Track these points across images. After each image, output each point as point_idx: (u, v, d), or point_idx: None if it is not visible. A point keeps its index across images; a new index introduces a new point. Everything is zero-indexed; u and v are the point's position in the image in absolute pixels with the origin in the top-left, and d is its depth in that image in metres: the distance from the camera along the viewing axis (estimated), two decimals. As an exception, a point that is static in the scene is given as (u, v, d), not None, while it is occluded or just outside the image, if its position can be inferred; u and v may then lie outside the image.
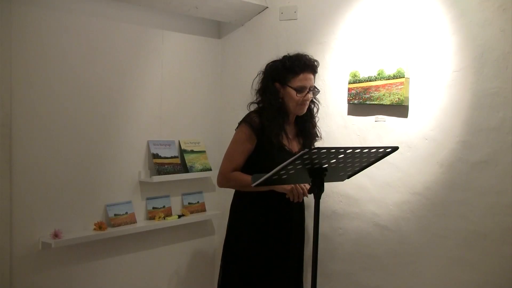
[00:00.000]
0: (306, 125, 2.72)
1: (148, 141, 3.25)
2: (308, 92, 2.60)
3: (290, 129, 2.69)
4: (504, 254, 2.60)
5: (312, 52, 3.21)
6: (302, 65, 2.59)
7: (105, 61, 3.00)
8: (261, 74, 2.68)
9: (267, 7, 3.43)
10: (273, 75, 2.62)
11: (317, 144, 2.84)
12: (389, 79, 2.87)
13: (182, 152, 3.43)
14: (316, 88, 2.66)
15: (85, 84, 2.91)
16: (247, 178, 2.51)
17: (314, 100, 2.74)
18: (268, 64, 2.68)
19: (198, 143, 3.53)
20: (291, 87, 2.57)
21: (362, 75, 2.98)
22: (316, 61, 2.67)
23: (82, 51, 2.89)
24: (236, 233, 2.67)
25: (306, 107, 2.64)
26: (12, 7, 2.59)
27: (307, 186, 2.51)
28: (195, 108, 3.55)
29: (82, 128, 2.91)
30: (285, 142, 2.61)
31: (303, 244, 2.80)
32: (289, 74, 2.58)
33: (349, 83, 3.03)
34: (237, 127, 2.64)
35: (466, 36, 2.68)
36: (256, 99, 2.68)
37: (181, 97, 3.46)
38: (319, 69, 3.20)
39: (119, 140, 3.10)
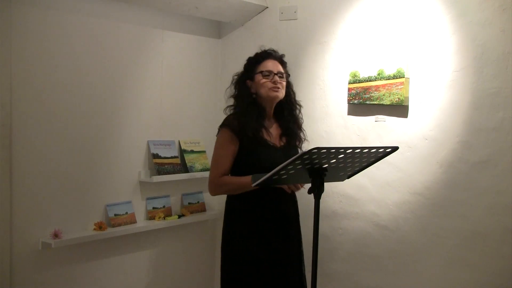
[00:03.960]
0: (290, 126, 2.70)
1: (148, 141, 3.25)
2: (276, 75, 2.60)
3: (273, 128, 2.67)
4: (504, 254, 2.60)
5: (312, 52, 3.22)
6: (265, 54, 2.67)
7: (105, 61, 3.00)
8: (231, 83, 2.71)
9: (267, 7, 3.43)
10: (243, 77, 2.68)
11: (306, 143, 2.80)
12: (389, 79, 2.87)
13: (182, 152, 3.43)
14: (287, 73, 2.67)
15: (85, 84, 2.91)
16: (237, 180, 2.52)
17: (293, 101, 2.73)
18: (235, 73, 2.73)
19: (198, 143, 3.53)
20: (258, 73, 2.62)
21: (362, 75, 2.98)
22: (283, 55, 2.71)
23: (82, 51, 2.89)
24: (232, 233, 2.65)
25: (280, 91, 2.62)
26: (12, 7, 2.59)
27: None
28: (195, 108, 3.55)
29: (82, 128, 2.91)
30: (266, 137, 2.60)
31: (300, 237, 2.77)
32: (255, 65, 2.65)
33: (349, 83, 3.03)
34: (217, 133, 2.63)
35: (466, 36, 2.68)
36: (233, 105, 2.69)
37: (181, 97, 3.46)
38: (319, 69, 3.21)
39: (119, 140, 3.10)
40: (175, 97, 3.41)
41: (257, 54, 2.69)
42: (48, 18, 2.74)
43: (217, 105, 3.68)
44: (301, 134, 2.75)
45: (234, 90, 2.70)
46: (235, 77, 2.71)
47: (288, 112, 2.70)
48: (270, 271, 2.59)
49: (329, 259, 3.18)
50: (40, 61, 2.72)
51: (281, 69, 2.64)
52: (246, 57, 3.55)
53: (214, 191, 2.63)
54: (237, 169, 2.59)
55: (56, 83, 2.79)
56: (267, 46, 2.71)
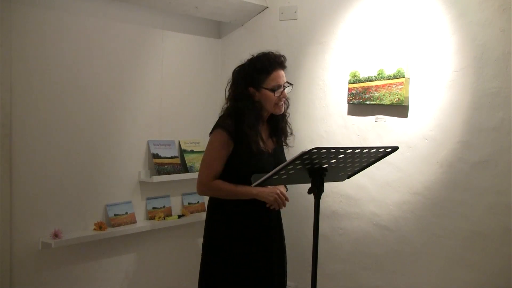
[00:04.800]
0: (279, 124, 2.65)
1: (148, 141, 3.25)
2: (283, 89, 2.55)
3: (264, 129, 2.63)
4: (504, 254, 2.60)
5: (312, 52, 3.22)
6: (272, 64, 2.53)
7: (105, 61, 3.00)
8: (230, 82, 2.60)
9: (267, 7, 3.43)
10: (245, 80, 2.55)
11: (291, 138, 2.77)
12: (389, 79, 2.87)
13: (182, 152, 3.43)
14: (289, 82, 2.60)
15: (85, 84, 2.92)
16: (229, 187, 2.49)
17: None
18: (235, 70, 2.61)
19: (198, 143, 3.53)
20: (267, 88, 2.51)
21: (362, 75, 2.98)
22: (283, 56, 2.59)
23: (82, 51, 2.89)
24: (213, 233, 2.62)
25: (283, 105, 2.59)
26: (12, 7, 2.59)
27: (286, 194, 2.50)
28: (195, 108, 3.55)
29: (82, 128, 2.91)
30: (260, 144, 2.55)
31: (283, 246, 2.73)
32: (262, 75, 2.52)
33: (349, 83, 3.03)
34: (211, 132, 2.57)
35: (466, 36, 2.68)
36: (232, 106, 2.58)
37: (181, 97, 3.46)
38: (319, 69, 3.21)
39: (119, 140, 3.10)
40: (175, 97, 3.42)
41: (263, 63, 2.54)
42: (48, 18, 2.74)
43: (217, 105, 3.67)
44: (288, 129, 2.70)
45: (234, 94, 2.58)
46: (237, 78, 2.58)
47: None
48: (248, 278, 2.56)
49: (329, 259, 3.18)
50: (40, 61, 2.72)
51: (285, 78, 2.57)
52: (246, 57, 3.55)
53: (202, 192, 2.58)
54: (228, 171, 2.55)
55: (56, 83, 2.79)
56: (266, 46, 2.67)
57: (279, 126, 2.66)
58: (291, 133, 2.73)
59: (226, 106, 2.62)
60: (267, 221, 2.60)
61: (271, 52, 2.58)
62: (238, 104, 2.54)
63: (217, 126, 2.55)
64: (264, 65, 2.53)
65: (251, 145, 2.49)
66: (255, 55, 2.59)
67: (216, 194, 2.58)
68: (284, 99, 2.57)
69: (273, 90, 2.51)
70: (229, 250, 2.56)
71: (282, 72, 2.56)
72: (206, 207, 2.69)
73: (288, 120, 2.71)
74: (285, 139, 2.71)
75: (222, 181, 2.53)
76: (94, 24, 2.94)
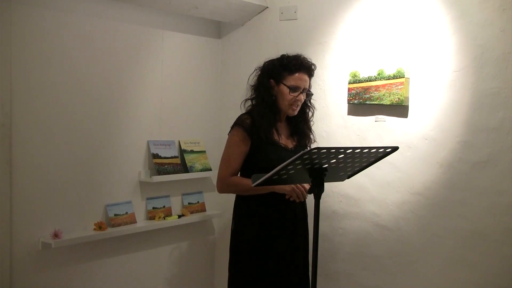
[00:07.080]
0: (300, 126, 2.72)
1: (148, 141, 3.25)
2: (301, 93, 2.60)
3: (283, 128, 2.69)
4: (504, 254, 2.60)
5: (312, 52, 3.22)
6: (298, 65, 2.61)
7: (105, 61, 3.00)
8: (258, 70, 2.70)
9: (267, 7, 3.43)
10: (269, 72, 2.63)
11: (315, 144, 2.84)
12: (389, 79, 2.87)
13: (182, 152, 3.43)
14: (310, 91, 2.67)
15: (85, 84, 2.91)
16: (247, 182, 2.51)
17: (309, 104, 2.74)
18: (265, 61, 2.70)
19: (198, 143, 3.53)
20: (285, 85, 2.58)
21: (362, 75, 2.98)
22: (314, 64, 2.68)
23: (82, 51, 2.89)
24: (239, 234, 2.66)
25: (298, 109, 2.64)
26: (12, 7, 2.59)
27: (306, 186, 2.52)
28: (195, 108, 3.55)
29: (82, 128, 2.91)
30: (276, 138, 2.61)
31: (307, 240, 2.79)
32: (285, 72, 2.60)
33: (349, 83, 3.03)
34: (229, 131, 2.64)
35: (466, 36, 2.68)
36: (251, 95, 2.69)
37: (181, 97, 3.46)
38: (319, 69, 3.21)
39: (119, 140, 3.10)
40: (175, 97, 3.41)
41: (291, 61, 2.61)
42: (48, 18, 2.74)
43: (217, 105, 3.68)
44: (311, 135, 2.78)
45: (256, 81, 2.67)
46: (264, 68, 2.65)
47: (300, 113, 2.70)
48: (276, 272, 2.58)
49: (329, 259, 3.18)
50: (40, 61, 2.72)
51: (307, 84, 2.63)
52: (247, 57, 3.57)
53: (221, 190, 2.64)
54: (247, 169, 2.59)
55: (56, 83, 2.78)
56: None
57: (299, 128, 2.71)
58: (314, 141, 2.78)
59: (246, 97, 2.69)
60: (291, 213, 2.63)
61: (305, 57, 2.66)
62: (256, 93, 2.64)
63: (234, 124, 2.63)
64: (290, 63, 2.60)
65: (261, 133, 2.51)
66: (289, 53, 2.67)
67: (235, 190, 2.64)
68: (299, 102, 2.61)
69: (290, 88, 2.58)
70: (255, 243, 2.59)
71: (305, 77, 2.62)
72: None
73: (316, 126, 2.77)
74: (308, 142, 2.76)
75: (240, 177, 2.58)
76: (94, 24, 2.94)
